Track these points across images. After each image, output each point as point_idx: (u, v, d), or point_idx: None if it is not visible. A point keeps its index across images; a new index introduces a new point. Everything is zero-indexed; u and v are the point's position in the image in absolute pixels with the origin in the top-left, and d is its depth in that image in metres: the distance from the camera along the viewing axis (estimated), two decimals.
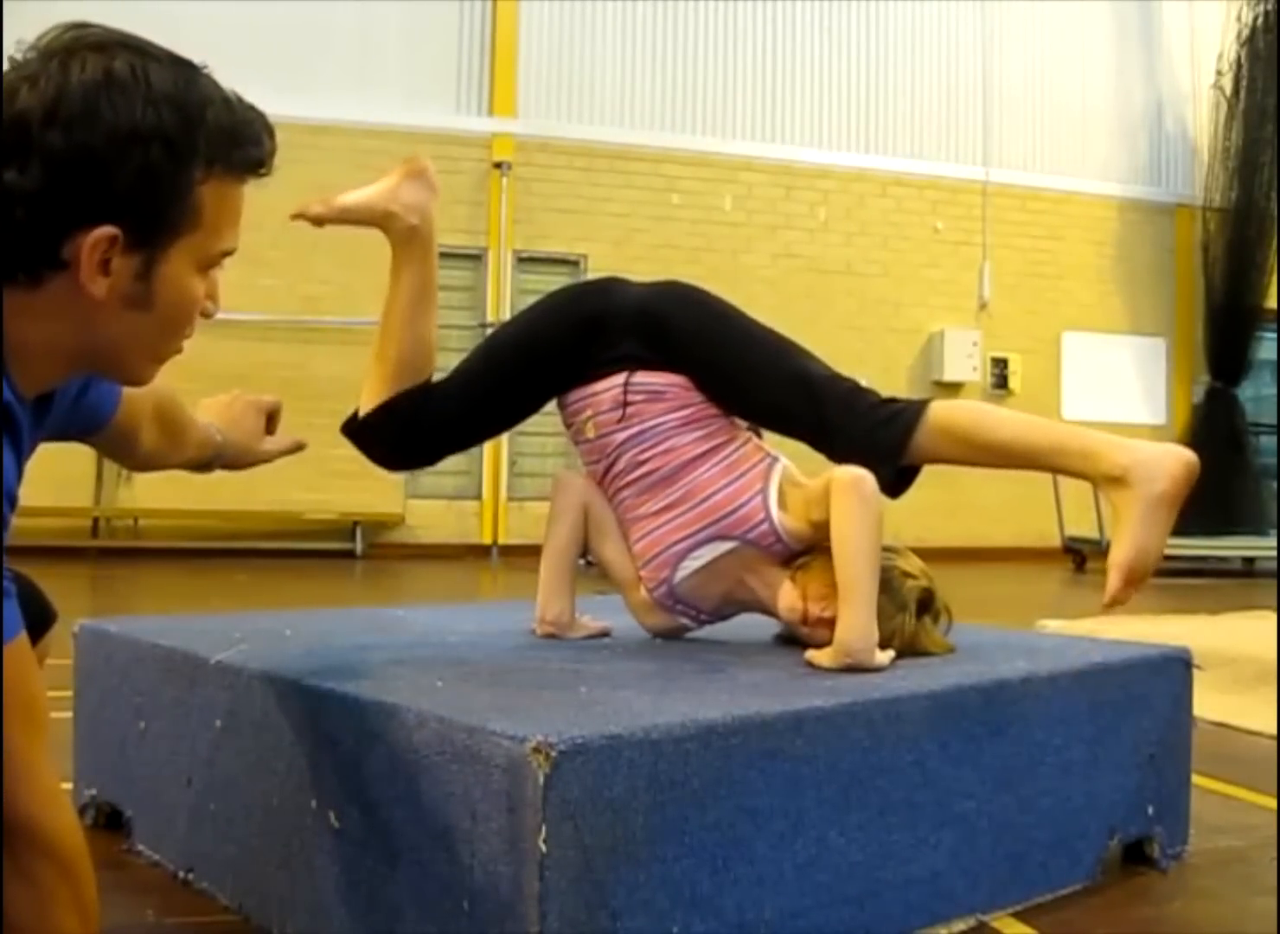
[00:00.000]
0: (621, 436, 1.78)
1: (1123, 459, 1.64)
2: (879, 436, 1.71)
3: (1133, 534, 1.61)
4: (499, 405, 1.88)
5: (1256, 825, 2.01)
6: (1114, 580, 1.61)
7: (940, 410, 1.73)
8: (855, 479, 1.61)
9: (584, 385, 1.80)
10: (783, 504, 1.73)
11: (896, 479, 1.73)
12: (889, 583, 1.67)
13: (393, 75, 9.48)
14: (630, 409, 1.77)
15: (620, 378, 1.77)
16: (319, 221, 1.77)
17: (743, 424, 1.84)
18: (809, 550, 1.72)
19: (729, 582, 1.79)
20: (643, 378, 1.77)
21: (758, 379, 1.80)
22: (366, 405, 1.81)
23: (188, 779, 1.59)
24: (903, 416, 1.72)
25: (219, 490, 8.94)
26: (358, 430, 1.83)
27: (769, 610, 1.79)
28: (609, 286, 1.92)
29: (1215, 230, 11.12)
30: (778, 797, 1.27)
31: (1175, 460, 1.63)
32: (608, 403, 1.78)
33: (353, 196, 1.78)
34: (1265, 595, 6.47)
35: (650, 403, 1.77)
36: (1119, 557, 1.61)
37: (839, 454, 1.74)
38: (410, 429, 1.82)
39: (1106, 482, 1.65)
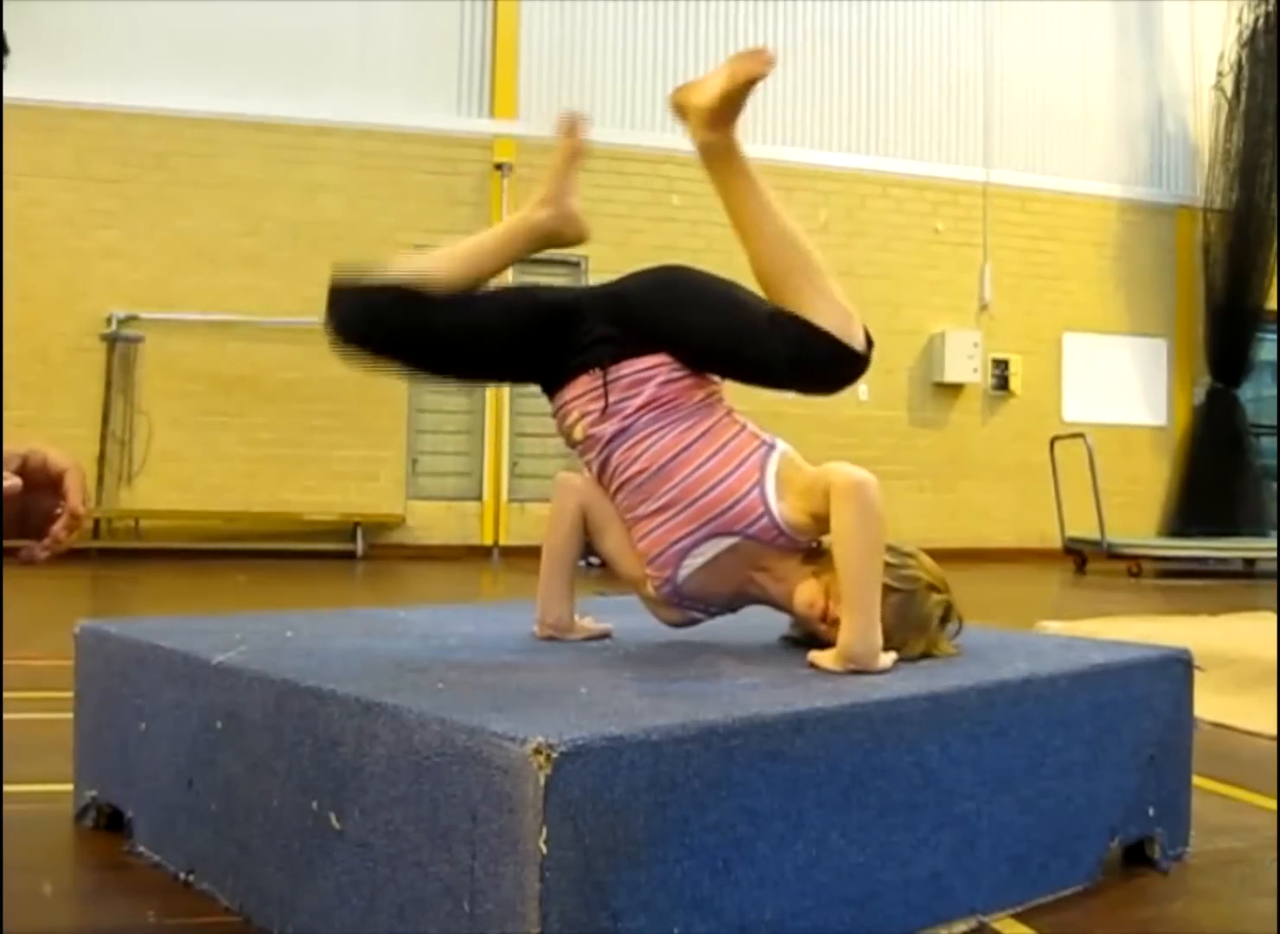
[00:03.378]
0: (609, 433, 1.75)
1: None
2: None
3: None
4: (466, 348, 1.83)
5: (1257, 826, 2.01)
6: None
7: None
8: (856, 484, 1.59)
9: (565, 387, 1.78)
10: (783, 495, 1.70)
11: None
12: (914, 595, 1.67)
13: (394, 77, 9.49)
14: (613, 401, 1.74)
15: (599, 374, 1.75)
16: None
17: (738, 411, 1.83)
18: (819, 543, 1.71)
19: (737, 578, 1.76)
20: (622, 368, 1.75)
21: (730, 338, 1.78)
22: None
23: (188, 780, 1.59)
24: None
25: (220, 491, 8.97)
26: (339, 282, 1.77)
27: (780, 605, 1.77)
28: (572, 287, 2.01)
29: (1216, 231, 11.13)
30: (778, 798, 1.27)
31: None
32: (591, 401, 1.76)
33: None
34: (1265, 596, 6.47)
35: (634, 392, 1.74)
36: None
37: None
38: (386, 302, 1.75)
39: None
